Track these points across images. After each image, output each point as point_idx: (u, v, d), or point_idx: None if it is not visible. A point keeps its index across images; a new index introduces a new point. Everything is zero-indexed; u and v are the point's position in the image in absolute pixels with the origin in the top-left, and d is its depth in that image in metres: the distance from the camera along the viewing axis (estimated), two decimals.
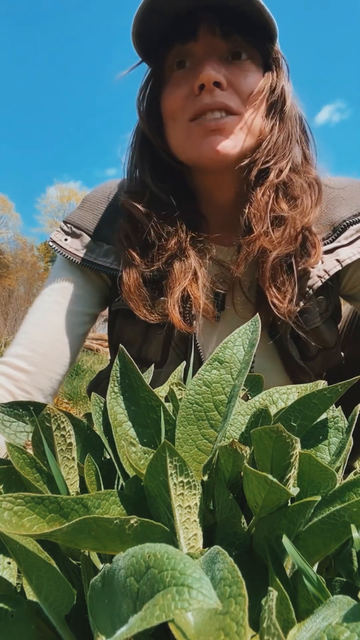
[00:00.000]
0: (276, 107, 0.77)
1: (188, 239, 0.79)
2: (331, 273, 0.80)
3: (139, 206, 0.78)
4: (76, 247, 0.86)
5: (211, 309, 0.80)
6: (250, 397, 0.47)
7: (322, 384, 0.45)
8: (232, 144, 0.73)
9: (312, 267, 0.79)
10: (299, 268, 0.77)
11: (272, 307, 0.75)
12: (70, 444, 0.39)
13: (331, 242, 0.82)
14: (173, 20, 0.72)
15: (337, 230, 0.82)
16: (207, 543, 0.33)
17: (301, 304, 0.79)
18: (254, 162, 0.75)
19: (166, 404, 0.43)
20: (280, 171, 0.76)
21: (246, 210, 0.76)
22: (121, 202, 0.81)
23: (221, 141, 0.72)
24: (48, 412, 0.38)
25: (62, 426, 0.38)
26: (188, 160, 0.77)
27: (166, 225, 0.78)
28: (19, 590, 0.34)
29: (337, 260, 0.81)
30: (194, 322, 0.79)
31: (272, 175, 0.76)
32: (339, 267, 0.80)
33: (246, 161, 0.75)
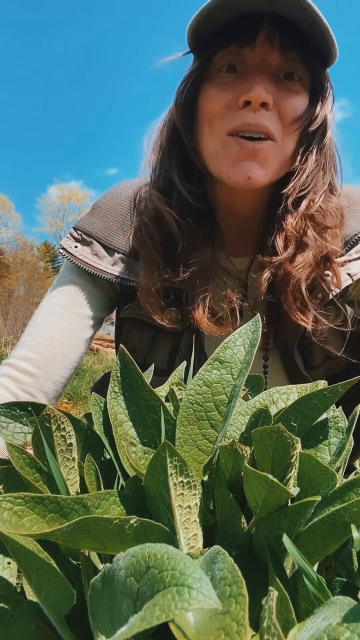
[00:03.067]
0: (316, 136, 0.75)
1: (213, 252, 0.79)
2: (342, 287, 0.80)
3: (171, 211, 0.77)
4: (86, 254, 0.85)
5: (230, 318, 0.80)
6: (250, 397, 0.47)
7: (322, 384, 0.45)
8: (263, 173, 0.72)
9: (331, 291, 0.79)
10: (319, 292, 0.78)
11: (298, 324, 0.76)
12: (71, 444, 0.39)
13: (342, 255, 0.81)
14: (231, 19, 0.69)
15: (349, 243, 0.82)
16: (207, 543, 0.33)
17: (324, 321, 0.79)
18: (292, 191, 0.75)
19: (166, 404, 0.43)
20: (313, 202, 0.76)
21: (275, 235, 0.76)
22: (150, 201, 0.80)
23: (254, 169, 0.71)
24: (48, 412, 0.38)
25: (62, 427, 0.38)
26: (217, 174, 0.76)
27: (196, 240, 0.78)
28: (19, 590, 0.34)
29: (349, 274, 0.81)
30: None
31: (303, 206, 0.75)
32: (349, 281, 0.81)
33: (284, 190, 0.75)
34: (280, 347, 0.85)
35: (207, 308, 0.76)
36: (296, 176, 0.75)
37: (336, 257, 0.78)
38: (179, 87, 0.78)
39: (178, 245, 0.78)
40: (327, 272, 0.78)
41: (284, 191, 0.75)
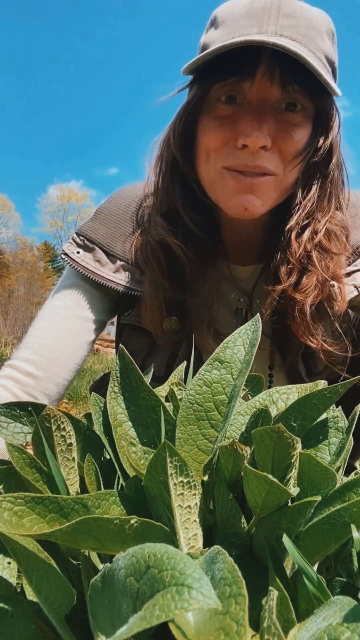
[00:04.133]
0: (319, 165, 0.74)
1: (219, 275, 0.80)
2: (348, 298, 0.80)
3: (178, 241, 0.77)
4: (88, 260, 0.85)
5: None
6: (251, 397, 0.47)
7: (322, 384, 0.45)
8: (260, 204, 0.71)
9: (341, 310, 0.79)
10: (323, 312, 0.77)
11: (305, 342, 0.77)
12: (70, 444, 0.39)
13: (348, 265, 0.81)
14: (232, 52, 0.65)
15: (355, 253, 0.82)
16: (207, 543, 0.33)
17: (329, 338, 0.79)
18: (295, 224, 0.74)
19: (166, 404, 0.43)
20: (316, 232, 0.75)
21: (277, 258, 0.76)
22: (155, 230, 0.79)
23: (251, 201, 0.70)
24: (48, 412, 0.38)
25: (62, 426, 0.38)
26: (215, 202, 0.76)
27: (199, 265, 0.78)
28: (19, 590, 0.34)
29: (354, 286, 0.80)
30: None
31: (307, 234, 0.75)
32: (355, 293, 0.80)
33: (288, 226, 0.74)
34: (284, 358, 0.85)
35: (211, 335, 0.77)
36: (299, 209, 0.74)
37: (341, 279, 0.77)
38: (176, 118, 0.76)
39: (185, 271, 0.78)
40: (331, 293, 0.77)
41: (287, 227, 0.75)
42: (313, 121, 0.71)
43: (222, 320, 0.85)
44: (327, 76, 0.64)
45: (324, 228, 0.75)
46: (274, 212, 0.78)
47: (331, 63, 0.69)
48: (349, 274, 0.81)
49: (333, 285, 0.77)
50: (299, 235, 0.75)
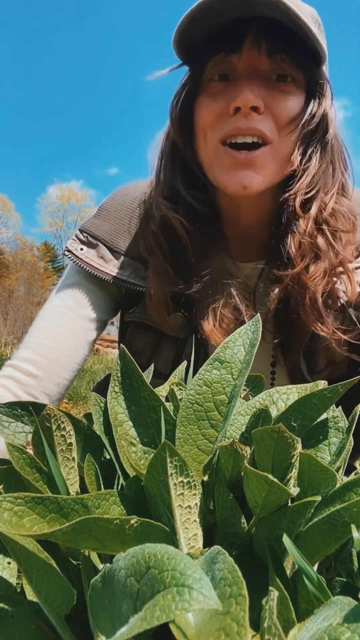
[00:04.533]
0: (317, 135, 0.74)
1: (222, 260, 0.78)
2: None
3: (180, 217, 0.76)
4: (92, 257, 0.85)
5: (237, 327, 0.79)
6: (251, 398, 0.47)
7: (322, 384, 0.45)
8: (260, 180, 0.71)
9: (349, 300, 0.78)
10: (331, 300, 0.77)
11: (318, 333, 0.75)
12: (71, 444, 0.39)
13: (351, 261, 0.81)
14: (218, 28, 0.68)
15: (358, 249, 0.81)
16: (207, 543, 0.33)
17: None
18: (297, 193, 0.73)
19: (167, 404, 0.43)
20: (324, 204, 0.74)
21: (287, 243, 0.74)
22: (158, 210, 0.79)
23: (249, 177, 0.70)
24: (48, 412, 0.38)
25: (62, 426, 0.38)
26: (214, 182, 0.76)
27: (206, 247, 0.77)
28: (19, 590, 0.34)
29: (358, 283, 0.80)
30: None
31: (314, 209, 0.73)
32: (358, 289, 0.80)
33: (287, 195, 0.73)
34: (286, 354, 0.84)
35: (217, 320, 0.76)
36: (300, 177, 0.73)
37: (349, 265, 0.76)
38: (172, 101, 0.78)
39: (187, 253, 0.77)
40: (339, 280, 0.77)
41: (288, 194, 0.73)
42: (305, 92, 0.73)
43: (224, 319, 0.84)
44: (317, 34, 0.65)
45: (332, 200, 0.74)
46: (276, 202, 0.77)
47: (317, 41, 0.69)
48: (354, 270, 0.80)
49: (340, 282, 0.76)
50: (307, 209, 0.74)
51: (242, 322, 0.79)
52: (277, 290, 0.75)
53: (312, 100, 0.72)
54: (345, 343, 0.79)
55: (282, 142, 0.71)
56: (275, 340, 0.83)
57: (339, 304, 0.78)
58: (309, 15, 0.67)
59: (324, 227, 0.74)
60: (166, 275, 0.77)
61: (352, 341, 0.78)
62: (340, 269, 0.76)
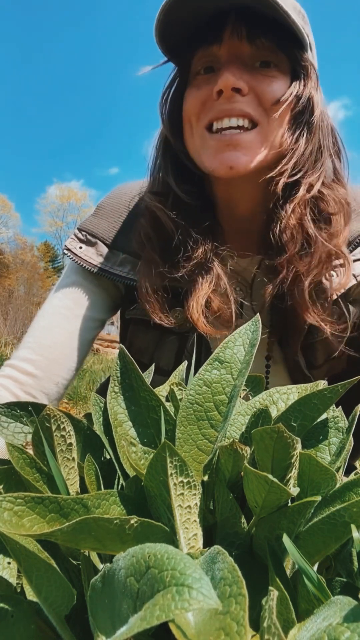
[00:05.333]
0: (303, 116, 0.73)
1: (212, 248, 0.77)
2: (347, 287, 0.79)
3: (165, 209, 0.77)
4: (91, 255, 0.85)
5: (231, 318, 0.78)
6: (251, 398, 0.47)
7: (322, 384, 0.45)
8: (247, 160, 0.70)
9: (344, 288, 0.78)
10: (325, 292, 0.76)
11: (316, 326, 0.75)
12: (71, 444, 0.39)
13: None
14: (198, 22, 0.69)
15: (353, 243, 0.81)
16: (207, 543, 0.33)
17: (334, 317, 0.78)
18: (280, 175, 0.72)
19: (166, 404, 0.43)
20: (311, 186, 0.73)
21: (277, 229, 0.74)
22: (145, 205, 0.80)
23: (236, 157, 0.70)
24: (48, 412, 0.38)
25: (62, 426, 0.38)
26: (203, 169, 0.76)
27: (193, 233, 0.76)
28: (19, 590, 0.34)
29: (353, 275, 0.80)
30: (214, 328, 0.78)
31: (302, 190, 0.72)
32: (354, 282, 0.80)
33: (271, 174, 0.72)
34: (283, 346, 0.84)
35: (203, 307, 0.75)
36: (286, 158, 0.73)
37: (341, 255, 0.76)
38: (161, 98, 0.78)
39: (175, 243, 0.77)
40: (332, 271, 0.77)
41: (272, 173, 0.72)
42: (290, 77, 0.73)
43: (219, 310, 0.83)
44: (294, 17, 0.65)
45: (320, 181, 0.73)
46: (269, 191, 0.76)
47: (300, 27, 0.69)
48: None
49: (336, 265, 0.76)
50: (294, 192, 0.73)
51: (234, 311, 0.79)
52: (270, 285, 0.75)
53: (297, 82, 0.72)
54: (342, 336, 0.79)
55: (269, 124, 0.71)
56: (271, 338, 0.83)
57: (333, 295, 0.78)
58: (290, 6, 0.68)
59: (314, 210, 0.74)
60: (154, 264, 0.77)
61: (345, 335, 0.79)
62: (336, 258, 0.75)
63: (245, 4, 0.65)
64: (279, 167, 0.72)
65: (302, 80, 0.73)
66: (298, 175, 0.73)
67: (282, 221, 0.73)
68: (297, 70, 0.73)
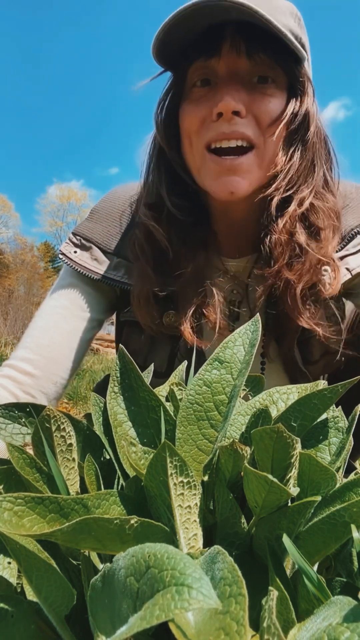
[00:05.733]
0: (298, 133, 0.74)
1: (205, 262, 0.79)
2: (341, 282, 0.80)
3: (160, 226, 0.77)
4: (85, 259, 0.85)
5: (225, 324, 0.79)
6: (251, 398, 0.47)
7: (322, 384, 0.45)
8: (246, 184, 0.72)
9: (334, 292, 0.78)
10: (318, 294, 0.77)
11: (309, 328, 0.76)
12: (71, 444, 0.39)
13: (340, 249, 0.81)
14: (197, 34, 0.69)
15: (346, 238, 0.82)
16: (207, 543, 0.33)
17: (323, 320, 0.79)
18: (275, 191, 0.73)
19: (166, 404, 0.43)
20: (302, 201, 0.74)
21: (267, 241, 0.75)
22: (140, 220, 0.80)
23: (236, 182, 0.71)
24: (48, 413, 0.38)
25: (62, 427, 0.38)
26: (203, 187, 0.77)
27: (185, 249, 0.77)
28: (19, 590, 0.34)
29: (347, 269, 0.81)
30: (205, 335, 0.79)
31: (293, 205, 0.74)
32: (349, 276, 0.81)
33: (266, 192, 0.74)
34: (280, 346, 0.85)
35: (190, 318, 0.76)
36: (281, 175, 0.74)
37: (332, 261, 0.77)
38: (156, 107, 0.78)
39: (169, 257, 0.78)
40: (324, 275, 0.77)
41: (267, 192, 0.74)
42: (287, 92, 0.73)
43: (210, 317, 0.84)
44: (290, 36, 0.65)
45: (311, 196, 0.74)
46: (264, 200, 0.77)
47: (296, 37, 0.70)
48: (341, 259, 0.81)
49: (326, 270, 0.77)
50: (285, 207, 0.74)
51: (231, 310, 0.80)
52: (261, 289, 0.76)
53: (294, 99, 0.73)
54: (336, 335, 0.80)
55: (266, 144, 0.72)
56: (265, 336, 0.83)
57: (322, 298, 0.79)
58: (286, 11, 0.68)
59: (304, 224, 0.75)
60: (149, 279, 0.79)
61: (340, 338, 0.79)
62: (324, 265, 0.76)
63: (243, 19, 0.65)
64: (274, 185, 0.73)
65: (299, 97, 0.73)
66: (291, 192, 0.74)
67: (273, 235, 0.74)
68: (294, 86, 0.74)
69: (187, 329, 0.76)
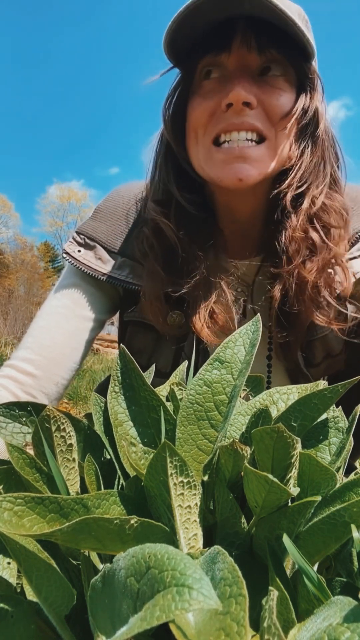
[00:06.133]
0: (308, 129, 0.74)
1: (215, 262, 0.78)
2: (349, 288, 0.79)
3: (169, 222, 0.77)
4: (89, 258, 0.85)
5: (233, 326, 0.79)
6: (252, 398, 0.47)
7: (322, 384, 0.45)
8: (256, 173, 0.71)
9: (345, 291, 0.78)
10: (332, 291, 0.77)
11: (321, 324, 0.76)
12: (71, 445, 0.39)
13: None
14: (207, 29, 0.69)
15: (350, 241, 0.82)
16: (207, 543, 0.33)
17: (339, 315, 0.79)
18: (288, 188, 0.73)
19: (167, 404, 0.43)
20: (315, 198, 0.74)
21: (282, 238, 0.75)
22: (150, 215, 0.79)
23: (245, 170, 0.70)
24: (48, 413, 0.38)
25: (62, 427, 0.38)
26: (207, 179, 0.76)
27: (195, 248, 0.77)
28: (19, 590, 0.34)
29: (352, 273, 0.81)
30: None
31: (306, 203, 0.73)
32: (353, 279, 0.80)
33: (280, 188, 0.73)
34: (283, 346, 0.85)
35: (207, 318, 0.76)
36: (292, 171, 0.73)
37: (342, 261, 0.77)
38: (164, 103, 0.78)
39: (179, 255, 0.78)
40: (334, 274, 0.78)
41: (280, 188, 0.73)
42: (296, 88, 0.73)
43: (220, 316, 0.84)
44: (302, 27, 0.65)
45: (323, 194, 0.74)
46: (270, 198, 0.77)
47: (305, 37, 0.69)
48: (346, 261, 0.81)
49: (338, 269, 0.77)
50: (298, 204, 0.74)
51: (233, 319, 0.79)
52: (277, 287, 0.76)
53: (304, 95, 0.73)
54: (343, 335, 0.80)
55: (277, 138, 0.72)
56: (274, 338, 0.83)
57: (336, 295, 0.79)
58: (295, 12, 0.68)
59: (316, 222, 0.75)
60: (159, 277, 0.78)
61: (348, 339, 0.79)
62: (335, 263, 0.76)
63: (254, 13, 0.66)
64: (287, 181, 0.73)
65: (309, 93, 0.73)
66: (303, 188, 0.74)
67: (287, 232, 0.74)
68: (303, 83, 0.73)
69: (204, 329, 0.75)
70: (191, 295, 0.77)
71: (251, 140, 0.70)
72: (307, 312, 0.75)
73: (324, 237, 0.75)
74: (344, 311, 0.79)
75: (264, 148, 0.71)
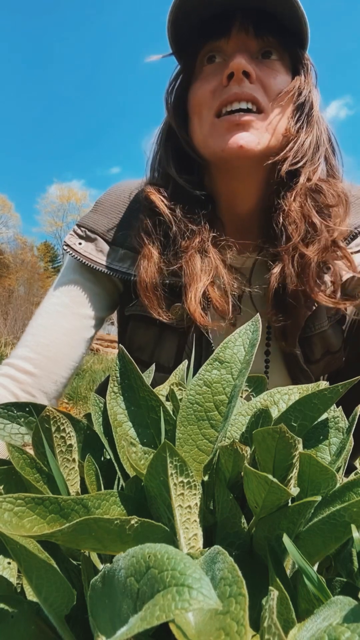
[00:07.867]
0: (303, 110, 0.77)
1: (210, 238, 0.78)
2: (343, 279, 0.80)
3: (164, 198, 0.78)
4: (90, 251, 0.85)
5: (229, 309, 0.78)
6: (252, 398, 0.47)
7: (323, 384, 0.45)
8: (256, 140, 0.73)
9: (353, 271, 0.79)
10: (337, 274, 0.78)
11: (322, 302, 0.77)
12: (71, 445, 0.39)
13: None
14: (208, 18, 0.74)
15: (349, 237, 0.82)
16: (207, 543, 0.33)
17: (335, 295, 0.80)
18: (283, 161, 0.75)
19: (166, 404, 0.43)
20: (311, 175, 0.76)
21: (280, 218, 0.76)
22: (145, 194, 0.80)
23: (245, 137, 0.72)
24: (47, 413, 0.38)
25: (61, 428, 0.38)
26: (211, 155, 0.77)
27: (190, 223, 0.78)
28: (19, 590, 0.34)
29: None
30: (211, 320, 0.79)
31: (302, 179, 0.75)
32: (351, 274, 0.81)
33: (274, 159, 0.75)
34: (282, 333, 0.84)
35: (200, 298, 0.75)
36: (289, 146, 0.76)
37: (342, 246, 0.78)
38: (167, 89, 0.81)
39: (174, 234, 0.78)
40: (337, 257, 0.78)
41: (276, 158, 0.75)
42: (292, 73, 0.78)
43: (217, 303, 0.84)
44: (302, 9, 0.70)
45: (319, 171, 0.77)
46: (270, 185, 0.78)
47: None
48: None
49: (339, 252, 0.78)
50: (295, 181, 0.76)
51: (233, 305, 0.79)
52: (276, 268, 0.76)
53: (298, 77, 0.77)
54: (338, 333, 0.80)
55: (274, 113, 0.74)
56: (268, 331, 0.83)
57: (340, 278, 0.80)
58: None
59: (314, 201, 0.77)
60: (154, 261, 0.78)
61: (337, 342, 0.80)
62: (337, 249, 0.77)
63: (254, 4, 0.70)
64: (282, 153, 0.75)
65: (303, 76, 0.77)
66: (299, 164, 0.76)
67: (284, 210, 0.75)
68: (297, 68, 0.78)
69: (198, 310, 0.74)
70: (186, 274, 0.77)
71: (251, 110, 0.73)
72: (310, 291, 0.75)
73: (323, 217, 0.76)
74: (349, 299, 0.80)
75: (262, 118, 0.74)
